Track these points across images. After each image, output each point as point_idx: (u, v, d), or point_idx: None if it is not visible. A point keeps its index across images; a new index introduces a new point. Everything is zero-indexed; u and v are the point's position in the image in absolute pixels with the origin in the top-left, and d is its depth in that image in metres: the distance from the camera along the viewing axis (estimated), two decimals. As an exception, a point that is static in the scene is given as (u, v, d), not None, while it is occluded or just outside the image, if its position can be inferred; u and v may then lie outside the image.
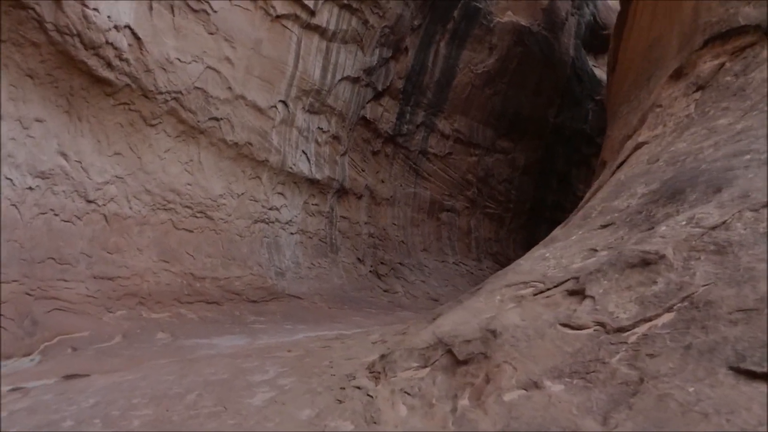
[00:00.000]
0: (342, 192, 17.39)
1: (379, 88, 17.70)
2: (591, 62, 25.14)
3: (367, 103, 17.58)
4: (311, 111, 15.41)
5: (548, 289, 3.97)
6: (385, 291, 17.88)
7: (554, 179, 24.57)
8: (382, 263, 18.59)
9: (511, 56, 20.76)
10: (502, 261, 22.98)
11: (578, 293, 3.47)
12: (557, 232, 6.14)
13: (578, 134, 24.72)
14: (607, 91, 12.83)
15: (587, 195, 8.04)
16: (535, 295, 4.05)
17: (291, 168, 14.89)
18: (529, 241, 24.32)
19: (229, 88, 12.62)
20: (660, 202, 4.49)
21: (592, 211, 5.87)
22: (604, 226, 5.05)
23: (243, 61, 12.82)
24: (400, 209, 19.91)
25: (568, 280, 3.80)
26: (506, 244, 23.61)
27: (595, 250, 4.46)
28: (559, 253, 4.89)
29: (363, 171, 18.32)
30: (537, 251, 5.49)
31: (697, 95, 6.66)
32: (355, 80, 16.42)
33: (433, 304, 18.01)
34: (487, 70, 20.47)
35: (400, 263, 19.20)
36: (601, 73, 25.49)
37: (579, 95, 24.19)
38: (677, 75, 7.32)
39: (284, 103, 14.33)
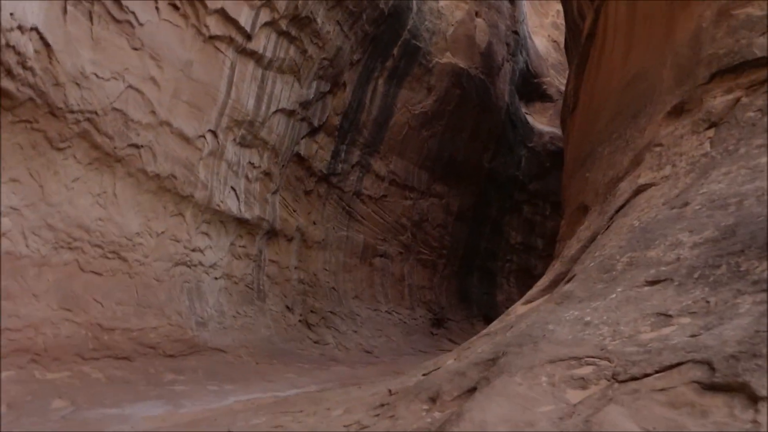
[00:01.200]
0: (272, 234, 15.95)
1: (315, 123, 16.57)
2: (523, 109, 25.08)
3: (302, 138, 16.39)
4: (243, 144, 14.04)
5: (637, 377, 2.84)
6: (315, 342, 16.41)
7: (487, 226, 24.03)
8: (312, 312, 17.14)
9: (448, 98, 20.22)
10: (435, 310, 22.00)
11: (727, 389, 2.34)
12: (570, 287, 5.09)
13: (511, 181, 24.41)
14: (568, 131, 12.23)
15: (575, 242, 7.12)
16: (618, 381, 2.91)
17: (218, 205, 13.38)
18: (460, 290, 23.53)
19: (153, 112, 11.11)
20: (746, 253, 3.51)
21: (614, 262, 4.88)
22: (652, 283, 4.04)
23: (170, 83, 11.39)
24: (332, 253, 18.61)
25: (681, 364, 2.67)
26: (439, 292, 22.67)
27: (668, 315, 3.42)
28: (606, 317, 3.82)
29: (294, 212, 16.97)
30: (564, 312, 4.39)
31: (711, 132, 5.91)
32: (290, 113, 15.22)
33: (366, 357, 16.69)
34: (424, 111, 19.80)
35: (332, 312, 17.81)
36: (533, 120, 25.49)
37: (513, 141, 23.96)
38: (678, 111, 6.59)
39: (214, 133, 12.91)
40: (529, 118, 25.24)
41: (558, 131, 26.11)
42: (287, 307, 16.37)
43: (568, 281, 5.54)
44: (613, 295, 4.16)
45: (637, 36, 8.61)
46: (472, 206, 23.15)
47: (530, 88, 25.83)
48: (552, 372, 3.40)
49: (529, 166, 24.85)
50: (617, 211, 6.39)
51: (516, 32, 23.58)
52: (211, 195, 13.09)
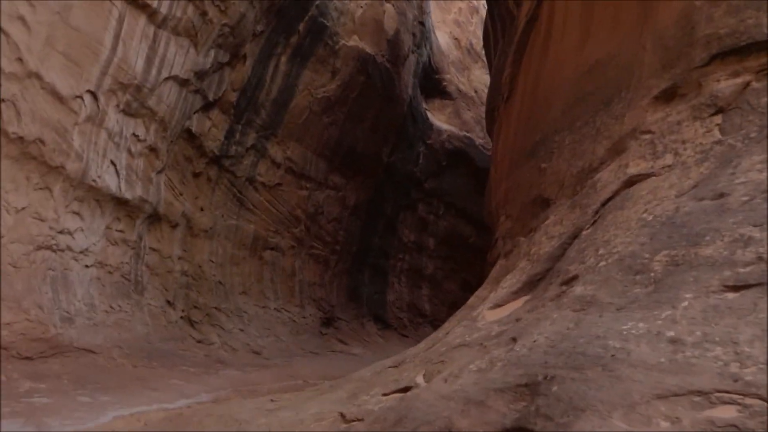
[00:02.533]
0: (154, 218, 14.03)
1: (210, 97, 14.82)
2: (422, 105, 24.46)
3: (195, 113, 14.59)
4: (127, 112, 12.09)
5: None
6: (198, 342, 14.66)
7: (381, 222, 23.14)
8: (195, 307, 15.35)
9: (353, 84, 19.08)
10: (325, 308, 20.77)
11: None
12: (586, 291, 4.11)
13: (408, 177, 23.68)
14: (501, 121, 11.44)
15: (544, 238, 6.22)
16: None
17: (94, 181, 11.38)
18: (351, 288, 22.48)
19: (20, 59, 9.07)
20: None
21: (645, 261, 3.97)
22: (736, 288, 3.13)
23: (44, 27, 9.37)
24: (220, 244, 16.86)
25: None
26: (330, 290, 21.45)
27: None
28: (705, 333, 2.84)
29: (181, 195, 15.10)
30: (614, 323, 3.39)
31: (718, 119, 5.21)
32: (183, 82, 13.41)
33: (255, 359, 15.18)
34: (327, 95, 18.52)
35: (217, 308, 16.09)
36: (432, 117, 24.94)
37: (412, 137, 23.25)
38: (668, 96, 5.86)
39: (93, 95, 10.93)
40: (429, 115, 24.67)
41: (456, 130, 25.79)
42: (168, 302, 14.48)
43: (569, 283, 4.57)
44: (685, 303, 3.21)
45: (597, 21, 7.91)
46: (368, 201, 22.16)
47: (431, 83, 25.27)
48: (671, 413, 2.35)
49: (427, 163, 24.26)
50: (604, 204, 5.54)
51: (422, 23, 22.87)
52: (86, 168, 11.09)
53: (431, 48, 24.79)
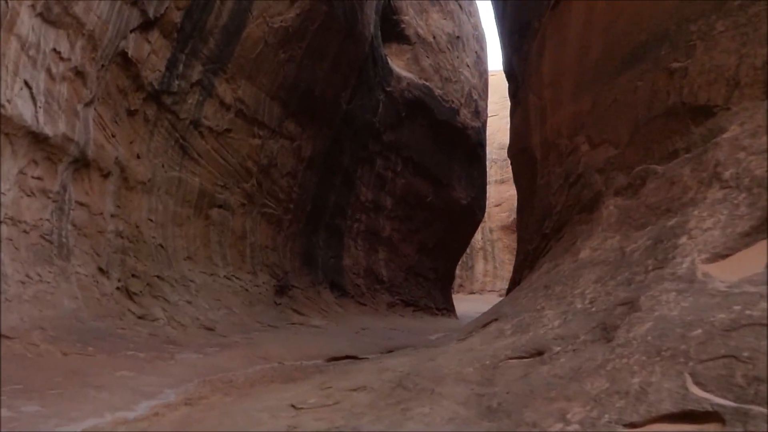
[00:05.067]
0: (81, 164, 11.09)
1: (150, 14, 11.85)
2: (382, 48, 21.93)
3: (131, 32, 11.60)
4: (46, 18, 9.08)
5: None
6: (140, 318, 11.92)
7: (339, 178, 20.64)
8: (134, 276, 12.55)
9: (313, 15, 16.37)
10: (279, 275, 18.26)
11: None
12: None
13: (367, 127, 21.22)
14: (543, 36, 9.11)
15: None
16: None
17: (2, 107, 8.41)
18: (305, 252, 20.01)
19: None
20: None
21: None
22: None
23: None
24: (160, 200, 14.00)
25: None
26: (283, 254, 18.90)
27: None
28: None
29: (113, 137, 12.15)
30: None
31: None
32: (118, -11, 10.44)
33: (211, 337, 12.62)
34: (285, 26, 15.75)
35: (159, 276, 13.33)
36: (391, 62, 22.49)
37: (372, 82, 20.74)
38: None
39: (-2, -15, 7.92)
40: (388, 59, 22.19)
41: (415, 78, 23.50)
42: (100, 270, 11.63)
43: None
44: None
45: None
46: (325, 153, 19.58)
47: (389, 25, 22.74)
48: None
49: (386, 113, 21.86)
50: None
51: (385, -49, 20.31)
52: (-11, 87, 8.11)
53: (391, -16, 22.24)
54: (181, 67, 13.56)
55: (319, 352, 12.25)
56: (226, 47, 14.53)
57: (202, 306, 14.12)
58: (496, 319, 5.89)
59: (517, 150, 11.11)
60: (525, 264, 9.38)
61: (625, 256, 4.90)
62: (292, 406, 5.18)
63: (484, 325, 5.98)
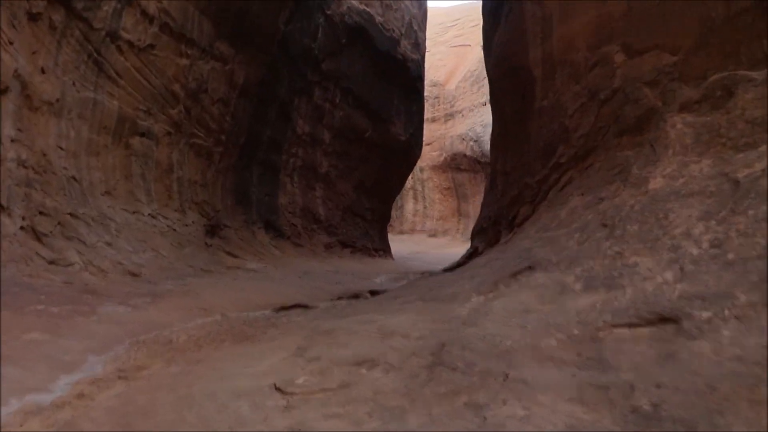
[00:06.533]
0: (-30, 75, 8.95)
1: None
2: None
3: None
4: None
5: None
6: (51, 263, 10.09)
7: (274, 109, 18.78)
8: (42, 214, 10.62)
9: None
10: (209, 213, 16.53)
11: None
12: None
13: (306, 54, 19.32)
14: None
15: None
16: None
17: None
18: (238, 189, 18.27)
19: None
20: None
21: None
22: None
23: None
24: (72, 125, 11.92)
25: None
26: (213, 191, 17.09)
27: None
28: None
29: (11, 44, 9.97)
30: None
31: None
32: None
33: (136, 284, 10.98)
34: (218, -75, 13.59)
35: (72, 214, 11.42)
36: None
37: (312, 3, 18.74)
38: None
39: None
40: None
41: (356, 2, 21.57)
42: (1, 207, 9.65)
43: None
44: None
45: None
46: (260, 81, 17.62)
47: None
48: None
49: (326, 39, 19.96)
50: None
51: None
52: None
53: None
54: (94, -36, 11.34)
55: (265, 300, 10.85)
56: (149, -57, 12.33)
57: (124, 248, 12.34)
58: (530, 267, 4.71)
59: (504, 71, 9.77)
60: (521, 199, 8.21)
61: (740, 184, 3.78)
62: (277, 389, 3.82)
63: (514, 275, 4.79)
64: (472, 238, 13.11)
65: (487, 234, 10.50)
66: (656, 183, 4.59)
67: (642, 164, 5.03)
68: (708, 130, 4.49)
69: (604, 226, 4.66)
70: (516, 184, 8.76)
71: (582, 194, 5.77)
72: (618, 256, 4.09)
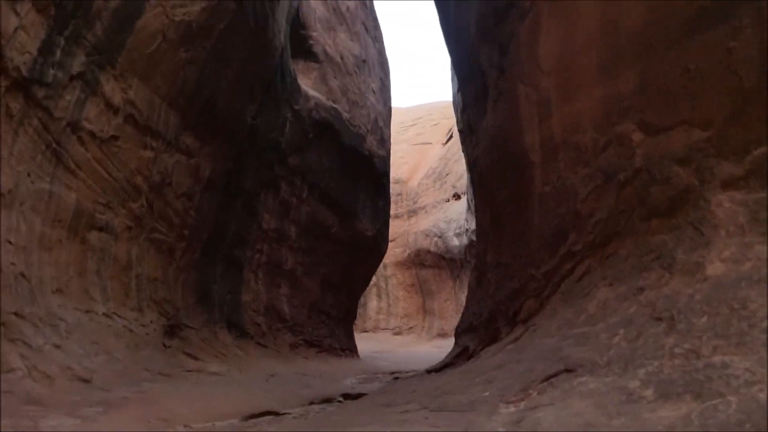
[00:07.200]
0: None
1: (21, -24, 9.31)
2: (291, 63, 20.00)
3: (-7, -4, 9.01)
4: None
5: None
6: (-10, 369, 9.00)
7: (240, 202, 18.25)
8: (-16, 314, 9.61)
9: (221, 13, 14.25)
10: (169, 313, 15.52)
11: None
12: None
13: (273, 148, 19.05)
14: (539, 17, 7.53)
15: None
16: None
17: None
18: (200, 286, 17.37)
19: None
20: None
21: None
22: None
23: None
24: (24, 217, 11.12)
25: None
26: (174, 288, 16.16)
27: None
28: None
29: (-38, 131, 9.34)
30: None
31: None
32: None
33: (87, 391, 9.92)
34: (188, 20, 13.51)
35: (17, 314, 10.39)
36: (299, 79, 20.58)
37: (280, 98, 18.69)
38: None
39: None
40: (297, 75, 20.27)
41: (324, 98, 21.71)
42: (-64, 305, 8.68)
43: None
44: None
45: None
46: (226, 174, 17.17)
47: (297, 40, 20.85)
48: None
49: (293, 133, 19.80)
50: None
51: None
52: None
53: (301, -5, 20.45)
54: (58, 54, 10.96)
55: (231, 407, 9.88)
56: (116, 36, 12.09)
57: (74, 351, 11.26)
58: (568, 370, 4.11)
59: (497, 157, 9.47)
60: (524, 292, 7.65)
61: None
62: None
63: (547, 378, 4.17)
64: (458, 336, 12.43)
65: (479, 332, 9.86)
66: (716, 269, 4.14)
67: (688, 248, 4.59)
68: (765, 208, 4.11)
69: (659, 320, 4.13)
70: (516, 276, 8.23)
71: (610, 284, 5.27)
72: (693, 355, 3.53)
